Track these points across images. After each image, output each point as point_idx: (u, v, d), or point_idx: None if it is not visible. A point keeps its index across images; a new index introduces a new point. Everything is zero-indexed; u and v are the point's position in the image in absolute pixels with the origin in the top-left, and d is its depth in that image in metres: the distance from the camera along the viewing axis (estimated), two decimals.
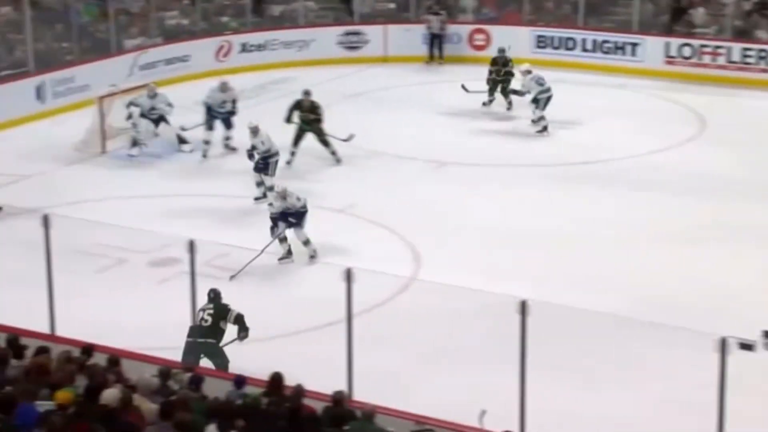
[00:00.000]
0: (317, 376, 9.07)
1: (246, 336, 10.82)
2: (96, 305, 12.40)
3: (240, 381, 8.88)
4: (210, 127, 17.83)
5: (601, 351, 11.30)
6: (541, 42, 24.12)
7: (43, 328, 10.69)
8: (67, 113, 19.70)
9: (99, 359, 9.10)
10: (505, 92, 20.09)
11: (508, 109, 20.06)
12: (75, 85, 20.76)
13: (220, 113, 17.82)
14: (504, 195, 16.22)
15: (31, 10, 20.68)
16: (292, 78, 22.87)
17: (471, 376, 10.90)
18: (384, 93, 22.18)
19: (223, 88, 17.87)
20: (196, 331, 10.56)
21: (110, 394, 7.65)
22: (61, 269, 10.99)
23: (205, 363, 10.39)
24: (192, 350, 10.50)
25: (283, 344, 11.58)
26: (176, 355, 9.75)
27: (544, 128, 18.93)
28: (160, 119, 18.12)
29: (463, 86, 20.07)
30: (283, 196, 13.78)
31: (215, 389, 8.63)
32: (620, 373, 10.98)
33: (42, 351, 8.93)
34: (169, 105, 18.09)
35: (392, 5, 25.60)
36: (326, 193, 16.18)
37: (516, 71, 19.76)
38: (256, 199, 15.89)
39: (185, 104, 19.44)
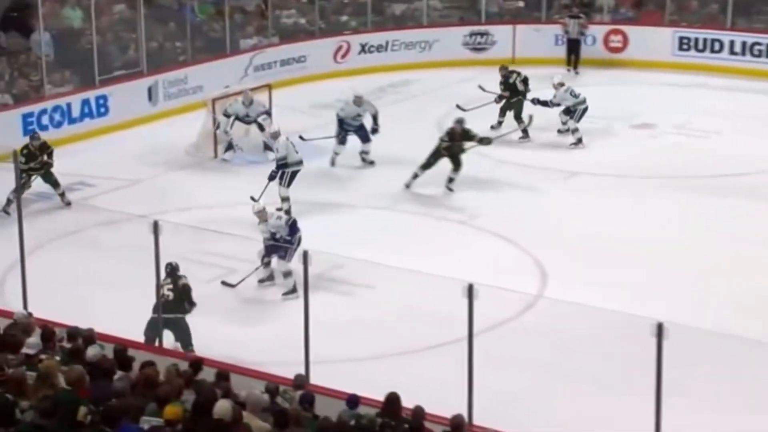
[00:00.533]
0: (435, 397, 9.09)
1: (190, 310, 11.64)
2: (204, 317, 12.63)
3: (353, 400, 8.95)
4: (342, 141, 17.86)
5: (739, 377, 11.08)
6: (684, 44, 23.74)
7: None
8: (179, 116, 20.14)
9: (207, 374, 9.30)
10: (518, 117, 19.22)
11: (522, 137, 19.05)
12: (187, 86, 21.23)
13: (352, 126, 17.82)
14: (637, 207, 16.02)
15: (145, 8, 21.18)
16: (413, 80, 22.99)
17: (600, 402, 10.79)
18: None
19: (358, 101, 17.77)
20: (159, 307, 11.10)
21: (223, 407, 7.77)
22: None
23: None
24: (155, 326, 11.17)
25: (399, 362, 11.63)
26: (286, 372, 9.88)
27: (579, 140, 18.70)
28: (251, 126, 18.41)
29: (480, 87, 19.75)
30: (263, 217, 13.56)
31: (327, 408, 8.72)
32: (756, 401, 10.75)
33: (148, 364, 9.14)
34: (267, 113, 18.26)
35: (521, 3, 25.51)
36: (447, 203, 16.21)
37: (527, 84, 19.48)
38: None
39: (301, 107, 19.75)
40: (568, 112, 18.98)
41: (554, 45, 24.11)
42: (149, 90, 20.71)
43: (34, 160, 16.27)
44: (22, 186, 15.73)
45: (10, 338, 9.28)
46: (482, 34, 24.64)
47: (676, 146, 18.79)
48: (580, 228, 15.30)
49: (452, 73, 23.35)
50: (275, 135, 16.06)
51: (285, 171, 15.85)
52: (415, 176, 16.72)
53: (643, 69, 23.43)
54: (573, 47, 23.68)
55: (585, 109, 18.90)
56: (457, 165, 16.62)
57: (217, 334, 11.95)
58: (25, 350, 9.00)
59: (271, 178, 15.80)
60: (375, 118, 17.94)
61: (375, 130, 17.91)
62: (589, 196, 16.53)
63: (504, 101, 19.47)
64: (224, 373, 9.24)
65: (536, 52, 23.80)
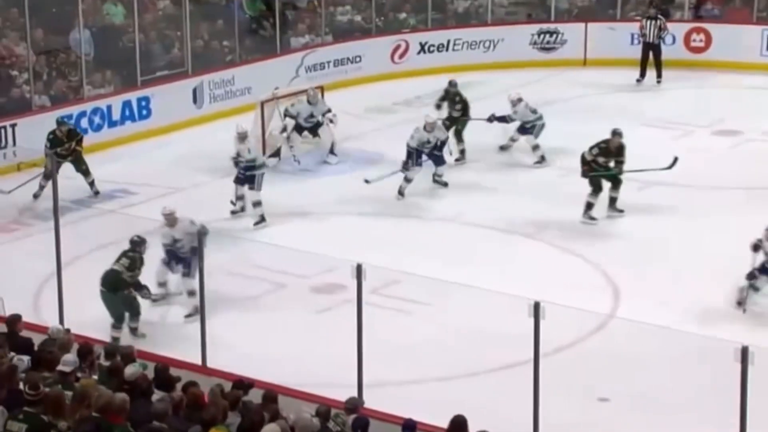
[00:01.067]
0: (498, 425, 9.08)
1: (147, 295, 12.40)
2: (251, 335, 12.72)
3: (410, 426, 8.97)
4: (417, 164, 17.25)
5: None
6: None
7: (194, 358, 11.05)
8: (226, 119, 20.27)
9: (253, 395, 9.36)
10: (459, 135, 18.69)
11: (458, 160, 18.48)
12: (235, 88, 21.39)
13: (425, 151, 17.39)
14: (718, 221, 15.86)
15: (190, 5, 21.37)
16: (476, 83, 22.95)
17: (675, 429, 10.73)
18: (583, 101, 22.03)
19: (430, 127, 17.29)
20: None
21: (272, 430, 7.82)
22: (214, 292, 11.37)
23: None
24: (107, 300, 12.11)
25: (459, 385, 11.63)
26: (339, 394, 9.93)
27: (542, 158, 18.39)
28: (317, 126, 18.50)
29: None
30: (172, 222, 13.49)
31: None
32: None
33: (191, 385, 9.21)
34: (329, 115, 18.37)
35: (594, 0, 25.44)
36: (511, 214, 16.18)
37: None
38: (233, 213, 16.30)
39: (355, 111, 19.80)
40: (524, 129, 18.58)
41: (630, 45, 23.91)
42: (194, 91, 20.90)
43: (61, 146, 16.64)
44: (49, 174, 16.18)
45: (47, 355, 9.42)
46: (551, 33, 24.57)
47: (764, 154, 18.57)
48: (655, 243, 15.21)
49: (519, 74, 23.31)
50: (243, 135, 16.38)
51: (255, 174, 16.13)
52: (589, 206, 16.20)
53: (728, 70, 23.23)
54: (651, 52, 23.02)
55: (543, 126, 18.51)
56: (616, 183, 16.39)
57: (265, 353, 12.02)
58: (60, 367, 9.12)
59: (239, 181, 16.29)
60: (444, 144, 17.52)
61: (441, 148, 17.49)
62: (664, 210, 16.40)
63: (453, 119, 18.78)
64: (272, 394, 9.30)
65: (609, 52, 23.67)
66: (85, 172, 17.06)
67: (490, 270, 14.08)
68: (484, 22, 24.93)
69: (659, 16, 23.12)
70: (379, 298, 12.68)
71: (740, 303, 13.26)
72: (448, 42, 24.29)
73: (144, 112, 20.14)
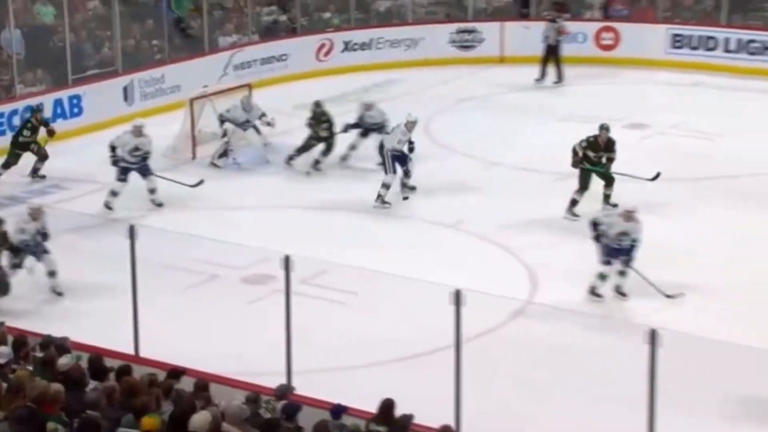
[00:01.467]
0: (422, 407, 9.10)
1: None
2: (183, 325, 12.62)
3: (338, 411, 8.96)
4: (392, 170, 16.63)
5: (738, 386, 11.12)
6: (678, 41, 23.84)
7: (127, 348, 10.94)
8: (156, 116, 20.10)
9: (185, 383, 9.28)
10: (328, 153, 17.96)
11: (308, 173, 17.94)
12: (164, 86, 21.21)
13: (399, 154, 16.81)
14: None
15: (120, 5, 21.16)
16: (398, 80, 23.02)
17: (591, 411, 10.81)
18: (500, 97, 22.15)
19: (411, 126, 16.79)
20: None
21: (201, 419, 7.76)
22: (146, 285, 11.25)
23: None
24: None
25: (385, 371, 11.63)
26: (268, 381, 9.88)
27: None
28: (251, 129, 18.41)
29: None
30: (37, 215, 13.52)
31: (311, 419, 8.72)
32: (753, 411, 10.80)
33: (123, 372, 9.12)
34: (266, 119, 18.21)
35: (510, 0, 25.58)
36: (435, 207, 16.22)
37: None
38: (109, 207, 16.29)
39: (283, 108, 19.71)
40: (367, 132, 17.98)
41: (541, 43, 24.09)
42: (125, 90, 20.69)
43: (36, 133, 17.21)
44: (8, 164, 17.05)
45: None
46: (469, 32, 24.68)
47: (672, 147, 18.80)
48: (572, 232, 15.32)
49: (439, 71, 23.40)
50: (140, 129, 16.44)
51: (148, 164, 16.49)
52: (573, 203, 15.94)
53: (636, 67, 23.51)
54: (551, 54, 22.92)
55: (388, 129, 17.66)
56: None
57: (196, 343, 11.93)
58: None
59: (141, 172, 16.36)
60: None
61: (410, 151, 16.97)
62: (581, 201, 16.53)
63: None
64: (203, 383, 9.23)
65: (525, 50, 23.79)
66: (44, 156, 17.37)
67: (415, 260, 14.11)
68: (406, 21, 24.98)
69: (557, 19, 23.15)
70: (307, 287, 12.64)
71: (594, 292, 13.15)
72: (371, 40, 24.31)
73: (75, 110, 19.90)
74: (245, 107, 18.23)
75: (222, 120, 18.23)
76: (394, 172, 16.54)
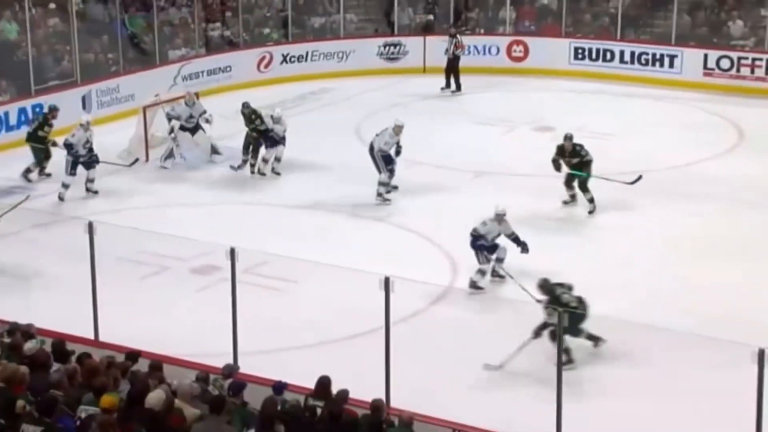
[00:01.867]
0: (357, 383, 9.08)
1: None
2: (138, 312, 12.48)
3: (279, 387, 8.91)
4: (384, 169, 16.45)
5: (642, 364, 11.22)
6: (579, 54, 24.05)
7: (88, 333, 10.80)
8: (112, 123, 19.86)
9: (141, 365, 9.18)
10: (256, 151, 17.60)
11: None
12: (120, 95, 20.96)
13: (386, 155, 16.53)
14: (539, 206, 16.10)
15: (78, 22, 20.89)
16: (331, 88, 22.96)
17: (506, 388, 10.86)
18: (422, 104, 22.19)
19: (399, 130, 16.43)
20: None
21: (155, 397, 7.70)
22: (104, 276, 11.12)
23: None
24: None
25: (322, 352, 11.59)
26: (216, 362, 9.81)
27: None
28: (196, 128, 18.24)
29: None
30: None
31: (255, 395, 8.66)
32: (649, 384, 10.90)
33: (85, 356, 9.01)
34: (205, 116, 18.08)
35: (431, 17, 25.58)
36: (365, 203, 16.20)
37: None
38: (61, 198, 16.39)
39: (227, 114, 19.57)
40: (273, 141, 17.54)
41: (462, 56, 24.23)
42: (83, 99, 20.40)
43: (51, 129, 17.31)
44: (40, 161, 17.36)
45: None
46: (395, 45, 24.68)
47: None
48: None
49: (368, 81, 23.38)
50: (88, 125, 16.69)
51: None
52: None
53: (543, 76, 23.68)
54: (451, 66, 22.85)
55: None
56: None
57: (149, 327, 11.81)
58: None
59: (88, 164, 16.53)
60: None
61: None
62: (494, 195, 16.53)
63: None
64: (157, 363, 9.15)
65: (445, 61, 23.80)
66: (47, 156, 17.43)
67: (347, 250, 14.09)
68: (338, 36, 24.91)
69: (457, 35, 23.11)
70: (250, 276, 12.55)
71: (476, 285, 13.13)
72: (307, 53, 24.22)
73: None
74: (188, 102, 18.08)
75: (168, 117, 18.07)
76: (387, 170, 16.41)
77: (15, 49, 20.32)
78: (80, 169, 16.66)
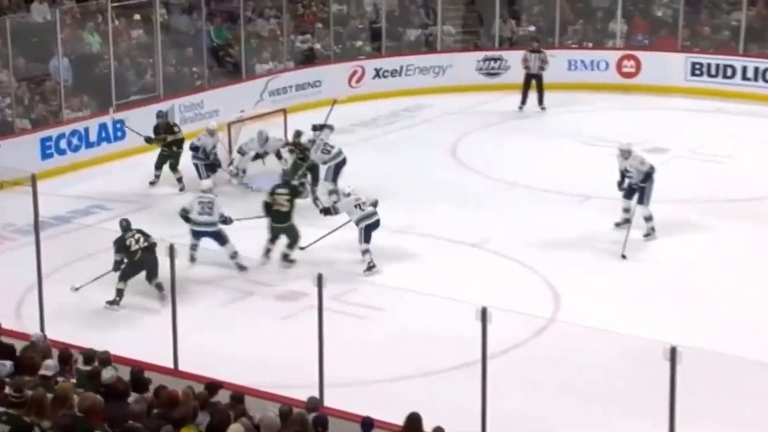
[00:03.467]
0: (451, 419, 9.07)
1: None
2: (220, 339, 12.64)
3: (368, 423, 8.93)
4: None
5: (750, 400, 11.03)
6: (697, 69, 23.75)
7: (167, 362, 10.96)
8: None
9: (222, 396, 9.29)
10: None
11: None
12: (203, 110, 21.31)
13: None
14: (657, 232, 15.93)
15: (162, 34, 21.30)
16: (427, 105, 23.04)
17: (614, 426, 10.75)
18: (523, 121, 22.13)
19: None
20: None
21: (235, 430, 7.78)
22: (186, 301, 11.29)
23: None
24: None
25: (414, 385, 11.60)
26: (300, 394, 9.88)
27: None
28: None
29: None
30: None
31: (341, 431, 8.70)
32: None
33: (162, 388, 9.13)
34: (285, 152, 18.10)
35: (532, 28, 25.52)
36: (459, 227, 16.19)
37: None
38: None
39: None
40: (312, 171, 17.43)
41: (567, 70, 24.11)
42: (158, 113, 20.68)
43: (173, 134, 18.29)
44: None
45: (28, 360, 9.31)
46: (495, 60, 24.66)
47: (689, 170, 18.70)
48: (595, 252, 15.26)
49: (466, 97, 23.38)
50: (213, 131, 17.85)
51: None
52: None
53: (656, 94, 23.43)
54: (533, 81, 22.78)
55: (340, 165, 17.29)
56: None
57: (232, 356, 11.95)
58: (42, 372, 9.02)
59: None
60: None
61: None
62: (602, 221, 16.44)
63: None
64: (239, 395, 9.24)
65: (548, 77, 23.71)
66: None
67: (439, 278, 14.09)
68: (434, 49, 24.98)
69: (541, 49, 23.00)
70: (338, 304, 12.63)
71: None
72: (401, 68, 24.32)
73: (119, 133, 19.96)
74: (260, 141, 18.05)
75: (239, 152, 18.24)
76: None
77: (97, 62, 20.79)
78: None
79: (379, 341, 12.63)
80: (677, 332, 12.20)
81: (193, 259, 14.60)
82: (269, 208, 14.89)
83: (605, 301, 13.61)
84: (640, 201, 15.68)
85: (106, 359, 9.64)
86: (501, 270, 14.83)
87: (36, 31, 20.44)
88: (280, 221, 14.80)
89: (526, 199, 17.47)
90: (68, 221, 16.24)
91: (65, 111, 19.73)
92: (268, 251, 14.82)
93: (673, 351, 8.41)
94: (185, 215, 14.70)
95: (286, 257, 14.81)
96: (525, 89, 22.81)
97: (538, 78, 22.83)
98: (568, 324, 12.61)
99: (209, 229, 14.58)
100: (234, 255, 14.54)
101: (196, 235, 14.64)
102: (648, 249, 15.36)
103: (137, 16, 21.79)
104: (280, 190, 15.03)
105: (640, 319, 12.97)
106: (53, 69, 19.99)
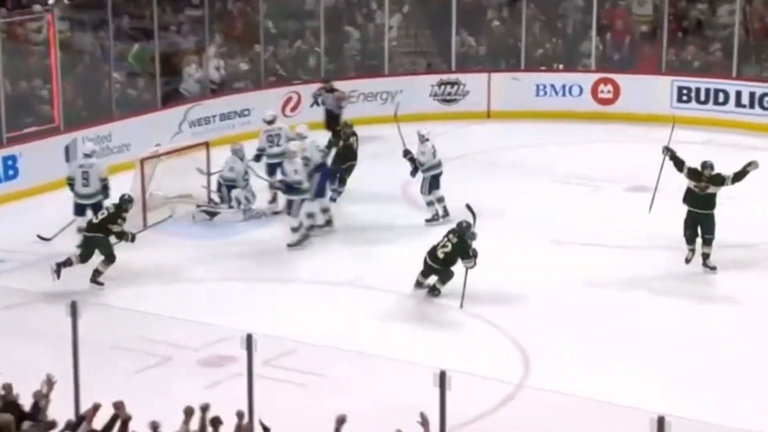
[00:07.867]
0: None
1: None
2: (133, 411, 12.58)
3: None
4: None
5: None
6: (684, 95, 24.08)
7: None
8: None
9: None
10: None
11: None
12: (112, 144, 21.24)
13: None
14: (636, 283, 16.11)
15: (62, 53, 21.20)
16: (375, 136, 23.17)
17: None
18: (485, 156, 22.30)
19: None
20: None
21: None
22: (91, 367, 11.23)
23: None
24: None
25: None
26: None
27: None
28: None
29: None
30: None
31: None
32: None
33: None
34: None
35: (482, 48, 25.67)
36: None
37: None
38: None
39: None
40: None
41: (535, 96, 24.37)
42: (66, 149, 20.65)
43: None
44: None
45: None
46: (453, 84, 24.82)
47: (678, 212, 18.82)
48: (568, 309, 15.39)
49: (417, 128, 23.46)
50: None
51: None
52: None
53: (638, 123, 23.67)
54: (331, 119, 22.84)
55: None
56: None
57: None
58: None
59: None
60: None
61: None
62: (578, 271, 16.58)
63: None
64: None
65: (514, 104, 23.97)
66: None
67: (391, 335, 14.14)
68: (382, 72, 25.11)
69: (335, 88, 23.12)
70: (271, 369, 12.64)
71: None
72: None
73: (10, 172, 19.90)
74: (237, 154, 18.83)
75: (225, 185, 18.81)
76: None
77: None
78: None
79: (318, 412, 12.61)
80: (661, 398, 12.42)
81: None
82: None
83: (582, 364, 13.70)
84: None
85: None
86: (463, 327, 14.90)
87: None
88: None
89: (493, 243, 17.51)
90: None
91: None
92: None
93: (660, 421, 8.50)
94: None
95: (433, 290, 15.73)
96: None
97: (334, 115, 22.77)
98: (538, 390, 12.70)
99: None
100: None
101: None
102: (620, 304, 15.50)
103: (34, 33, 21.67)
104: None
105: (618, 384, 13.13)
106: None
